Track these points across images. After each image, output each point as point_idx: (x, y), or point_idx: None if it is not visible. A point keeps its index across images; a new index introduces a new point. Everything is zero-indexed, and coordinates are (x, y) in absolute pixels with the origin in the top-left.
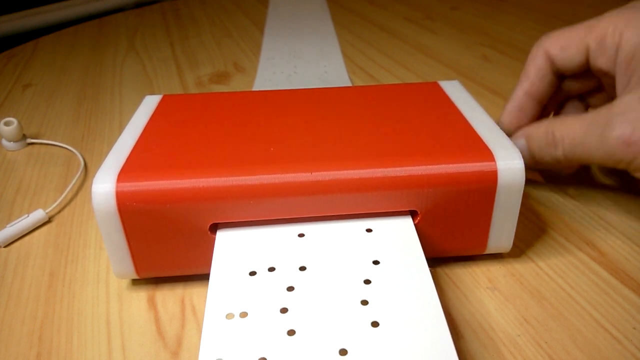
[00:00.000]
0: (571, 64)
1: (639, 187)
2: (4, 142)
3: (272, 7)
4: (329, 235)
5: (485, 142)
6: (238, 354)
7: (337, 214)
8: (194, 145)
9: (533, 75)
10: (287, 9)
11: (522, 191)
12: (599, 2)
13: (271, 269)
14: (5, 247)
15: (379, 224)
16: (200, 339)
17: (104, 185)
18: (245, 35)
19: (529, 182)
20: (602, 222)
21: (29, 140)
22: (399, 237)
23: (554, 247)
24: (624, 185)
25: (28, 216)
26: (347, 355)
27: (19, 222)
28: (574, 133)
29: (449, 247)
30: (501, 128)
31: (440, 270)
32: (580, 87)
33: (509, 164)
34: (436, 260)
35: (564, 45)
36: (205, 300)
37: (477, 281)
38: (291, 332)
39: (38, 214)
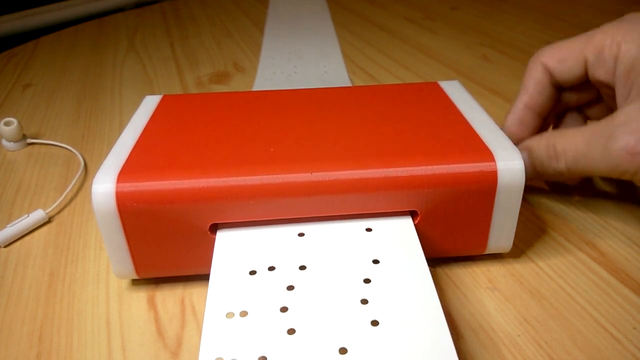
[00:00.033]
0: (569, 76)
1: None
2: (4, 142)
3: (272, 7)
4: (328, 234)
5: (485, 142)
6: (238, 353)
7: (337, 214)
8: (194, 145)
9: (532, 89)
10: (287, 9)
11: (522, 191)
12: (599, 2)
13: (271, 268)
14: (5, 247)
15: (379, 224)
16: (200, 339)
17: (104, 186)
18: (245, 35)
19: (528, 182)
20: (602, 222)
21: (29, 140)
22: (399, 237)
23: (554, 247)
24: (625, 193)
25: (28, 216)
26: (346, 354)
27: (19, 222)
28: (576, 146)
29: (449, 247)
30: None
31: (440, 270)
32: (579, 99)
33: (509, 164)
34: (436, 260)
35: (562, 58)
36: (205, 301)
37: (477, 281)
38: (291, 331)
39: (38, 214)
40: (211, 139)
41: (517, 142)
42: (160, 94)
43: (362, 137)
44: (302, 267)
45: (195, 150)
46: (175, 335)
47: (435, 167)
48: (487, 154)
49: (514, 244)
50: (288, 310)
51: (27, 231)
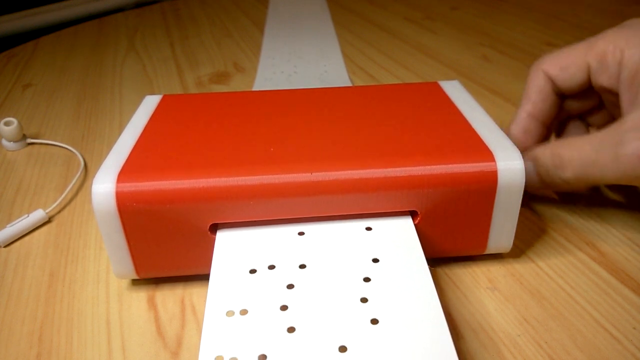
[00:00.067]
0: (572, 83)
1: None
2: (4, 142)
3: (272, 7)
4: (328, 233)
5: (485, 142)
6: (238, 351)
7: (337, 215)
8: (194, 145)
9: (535, 97)
10: (287, 9)
11: (522, 191)
12: (599, 2)
13: (271, 267)
14: (5, 247)
15: (379, 224)
16: (200, 339)
17: (104, 186)
18: (245, 35)
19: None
20: (602, 222)
21: (29, 140)
22: (399, 237)
23: (554, 247)
24: (625, 194)
25: (28, 216)
26: (346, 352)
27: (19, 222)
28: (583, 154)
29: (449, 247)
30: None
31: (440, 270)
32: (581, 106)
33: (509, 164)
34: (436, 260)
35: (564, 65)
36: (205, 301)
37: (477, 281)
38: (291, 329)
39: (38, 214)
40: (211, 139)
41: (522, 151)
42: (160, 94)
43: (362, 137)
44: (302, 266)
45: (195, 150)
46: (175, 335)
47: (435, 167)
48: (487, 154)
49: (514, 244)
50: (288, 309)
51: (27, 231)
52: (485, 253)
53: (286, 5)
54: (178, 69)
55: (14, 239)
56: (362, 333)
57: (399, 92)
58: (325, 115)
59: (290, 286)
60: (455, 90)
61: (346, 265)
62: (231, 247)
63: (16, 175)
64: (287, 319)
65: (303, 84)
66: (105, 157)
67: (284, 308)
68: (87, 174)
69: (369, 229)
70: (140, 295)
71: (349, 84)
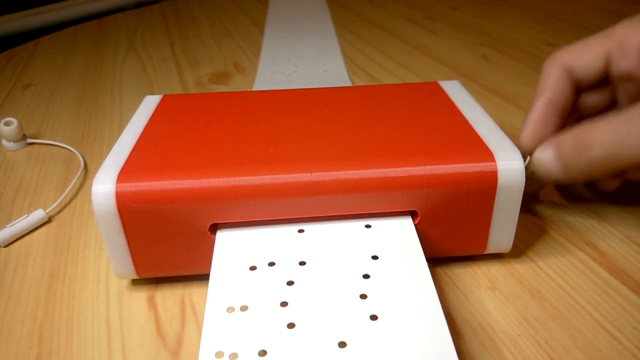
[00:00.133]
0: (590, 72)
1: None
2: (4, 142)
3: (272, 7)
4: (328, 231)
5: (485, 142)
6: (238, 347)
7: (337, 215)
8: (194, 145)
9: (552, 86)
10: (287, 9)
11: (522, 191)
12: (599, 2)
13: (271, 264)
14: (5, 247)
15: (379, 224)
16: (200, 339)
17: (104, 186)
18: (245, 35)
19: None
20: (602, 222)
21: (29, 140)
22: (398, 236)
23: (554, 247)
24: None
25: (28, 216)
26: (346, 348)
27: (19, 222)
28: (613, 131)
29: (449, 247)
30: (521, 143)
31: (440, 270)
32: (596, 102)
33: (509, 164)
34: (436, 260)
35: (581, 54)
36: (205, 300)
37: (477, 281)
38: (291, 325)
39: (38, 214)
40: (211, 139)
41: (539, 141)
42: (160, 94)
43: (362, 137)
44: (302, 263)
45: (196, 150)
46: (175, 335)
47: (435, 167)
48: (487, 154)
49: (514, 244)
50: (288, 305)
51: (27, 231)
52: (485, 253)
53: (286, 5)
54: (178, 69)
55: (14, 239)
56: (361, 329)
57: (399, 92)
58: (325, 115)
59: (290, 283)
60: (455, 90)
61: (346, 262)
62: (231, 247)
63: (16, 175)
64: (287, 315)
65: (303, 83)
66: (105, 157)
67: (284, 304)
68: (87, 174)
69: (368, 226)
70: (140, 295)
71: (349, 84)
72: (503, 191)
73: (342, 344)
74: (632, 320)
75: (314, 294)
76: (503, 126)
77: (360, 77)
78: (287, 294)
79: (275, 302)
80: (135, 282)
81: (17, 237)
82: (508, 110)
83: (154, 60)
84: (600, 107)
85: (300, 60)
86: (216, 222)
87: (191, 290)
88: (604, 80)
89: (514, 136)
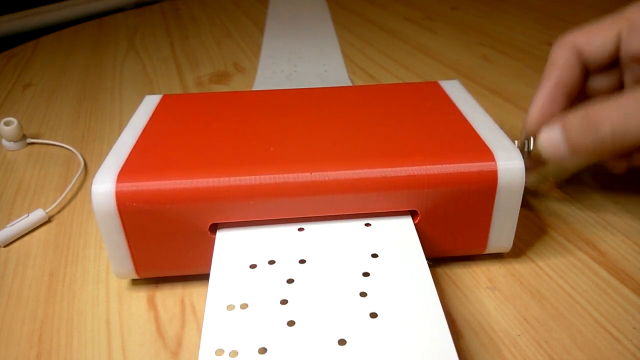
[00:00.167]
0: (599, 52)
1: None
2: (4, 142)
3: (272, 7)
4: (328, 229)
5: (485, 142)
6: (239, 344)
7: (337, 214)
8: (194, 145)
9: (561, 67)
10: (287, 9)
11: (522, 191)
12: (599, 2)
13: (271, 262)
14: (5, 247)
15: (379, 224)
16: (200, 339)
17: (104, 186)
18: (245, 35)
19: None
20: (602, 222)
21: (29, 140)
22: (399, 236)
23: (554, 247)
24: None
25: (28, 216)
26: (345, 345)
27: (19, 222)
28: (624, 109)
29: (449, 247)
30: (528, 123)
31: (440, 270)
32: (603, 86)
33: (509, 164)
34: (436, 259)
35: (591, 35)
36: (205, 300)
37: (477, 281)
38: (291, 323)
39: (38, 214)
40: (211, 139)
41: (546, 119)
42: (160, 94)
43: (362, 137)
44: (302, 261)
45: (195, 150)
46: (175, 335)
47: (435, 166)
48: (487, 154)
49: (514, 244)
50: (288, 303)
51: (27, 231)
52: (485, 253)
53: (286, 5)
54: (178, 69)
55: (13, 239)
56: (361, 327)
57: (399, 92)
58: (325, 115)
59: (290, 281)
60: (455, 90)
61: (345, 260)
62: (231, 246)
63: (16, 175)
64: (287, 312)
65: (303, 83)
66: (105, 157)
67: (284, 302)
68: (87, 174)
69: (368, 225)
70: (140, 295)
71: (349, 84)
72: (503, 191)
73: (342, 342)
74: (632, 320)
75: (314, 291)
76: (503, 126)
77: (360, 77)
78: (287, 291)
79: (275, 300)
80: (135, 282)
81: (17, 237)
82: (508, 110)
83: (154, 60)
84: (607, 91)
85: (300, 60)
86: (216, 222)
87: (191, 290)
88: (613, 63)
89: (514, 136)
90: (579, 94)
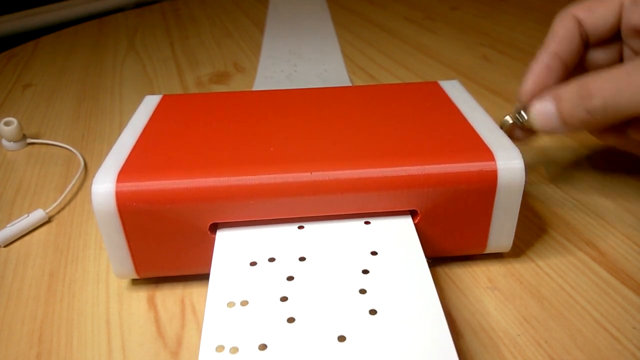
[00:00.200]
0: (600, 25)
1: None
2: (4, 142)
3: (272, 7)
4: (328, 227)
5: (485, 142)
6: (239, 341)
7: (337, 214)
8: (194, 145)
9: (561, 36)
10: (287, 9)
11: (522, 191)
12: None
13: (271, 260)
14: (5, 247)
15: (379, 223)
16: (200, 339)
17: (104, 186)
18: (245, 35)
19: (529, 181)
20: (602, 222)
21: (29, 140)
22: (398, 236)
23: (554, 247)
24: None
25: (28, 216)
26: (345, 342)
27: (19, 222)
28: (615, 79)
29: (449, 247)
30: (521, 93)
31: (440, 270)
32: (603, 60)
33: (509, 164)
34: (436, 259)
35: (593, 7)
36: (205, 300)
37: (477, 281)
38: (291, 320)
39: (38, 214)
40: (211, 139)
41: (541, 91)
42: (160, 94)
43: (362, 137)
44: (302, 259)
45: (195, 150)
46: (175, 335)
47: (435, 166)
48: (487, 154)
49: (514, 243)
50: (288, 300)
51: (27, 231)
52: (485, 252)
53: (286, 5)
54: (178, 69)
55: (13, 239)
56: (360, 323)
57: (398, 92)
58: (325, 115)
59: (290, 278)
60: (455, 90)
61: (345, 258)
62: (231, 247)
63: (16, 175)
64: (287, 309)
65: (303, 83)
66: (105, 157)
67: (284, 299)
68: (87, 174)
69: (367, 223)
70: (140, 295)
71: (349, 84)
72: (503, 191)
73: (341, 338)
74: (632, 320)
75: (313, 288)
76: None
77: (360, 77)
78: (287, 289)
79: (275, 297)
80: (135, 282)
81: (17, 237)
82: (508, 110)
83: (154, 60)
84: (607, 66)
85: (300, 60)
86: (216, 221)
87: (191, 290)
88: (614, 37)
89: None
90: (578, 68)
